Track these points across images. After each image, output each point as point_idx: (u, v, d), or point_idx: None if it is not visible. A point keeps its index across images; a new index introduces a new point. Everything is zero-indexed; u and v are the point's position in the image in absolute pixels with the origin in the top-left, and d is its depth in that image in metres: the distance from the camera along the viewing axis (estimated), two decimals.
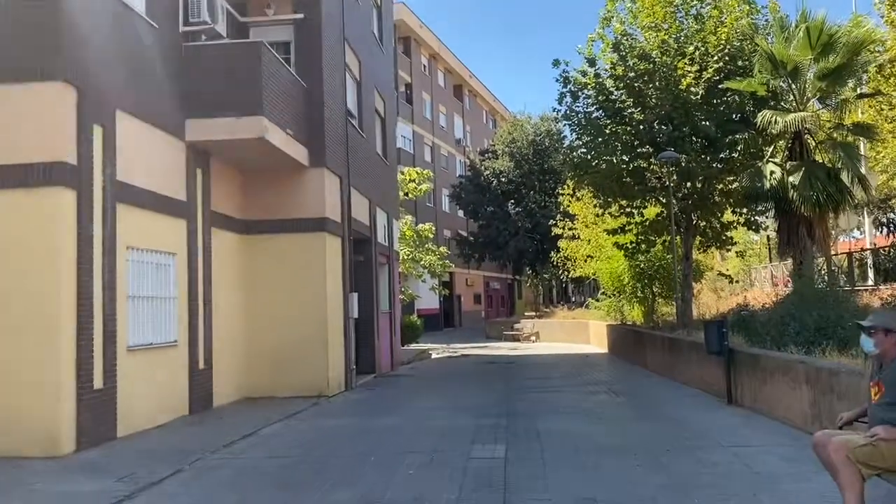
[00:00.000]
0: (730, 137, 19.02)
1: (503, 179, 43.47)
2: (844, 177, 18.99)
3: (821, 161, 18.92)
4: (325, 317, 13.49)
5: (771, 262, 35.70)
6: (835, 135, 18.92)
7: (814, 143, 19.34)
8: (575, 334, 31.05)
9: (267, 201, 13.76)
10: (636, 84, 19.82)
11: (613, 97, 20.45)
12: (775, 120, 17.94)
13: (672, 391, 12.70)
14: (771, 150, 19.79)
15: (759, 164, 18.80)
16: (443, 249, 34.91)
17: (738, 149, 19.75)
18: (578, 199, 31.82)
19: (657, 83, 19.33)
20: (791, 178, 18.10)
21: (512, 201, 42.68)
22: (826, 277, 14.17)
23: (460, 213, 49.36)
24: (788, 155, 19.28)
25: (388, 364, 19.27)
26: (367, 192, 17.44)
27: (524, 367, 19.62)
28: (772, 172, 18.34)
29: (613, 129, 20.56)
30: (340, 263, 14.65)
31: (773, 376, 9.09)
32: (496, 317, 58.17)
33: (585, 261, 30.82)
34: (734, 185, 21.64)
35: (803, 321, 9.94)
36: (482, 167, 45.05)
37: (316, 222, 13.64)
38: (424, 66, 52.31)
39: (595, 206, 25.42)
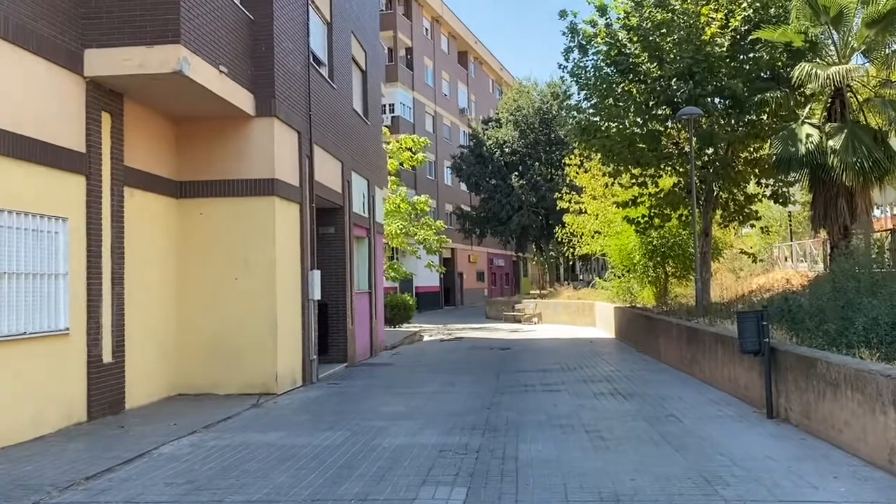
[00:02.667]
0: (759, 96, 16.50)
1: (507, 150, 40.87)
2: (893, 141, 16.54)
3: (865, 123, 16.41)
4: (273, 298, 11.19)
5: (793, 239, 33.19)
6: (883, 92, 16.37)
7: (857, 103, 16.80)
8: (579, 316, 28.74)
9: (204, 158, 11.41)
10: (652, 37, 17.36)
11: (626, 51, 17.98)
12: (815, 73, 15.43)
13: (693, 393, 10.38)
14: (806, 110, 17.27)
15: (794, 126, 16.28)
16: (439, 223, 32.50)
17: (768, 110, 17.30)
18: (586, 171, 29.35)
19: (676, 35, 16.82)
20: (831, 143, 15.62)
21: (516, 173, 40.08)
22: (878, 256, 11.74)
23: (463, 186, 46.85)
24: (827, 116, 16.77)
25: (365, 350, 17.02)
26: (338, 154, 15.04)
27: (521, 355, 17.34)
28: (808, 136, 15.83)
29: (626, 88, 18.16)
30: (298, 235, 12.31)
31: (838, 389, 6.73)
32: (500, 295, 55.90)
33: (592, 237, 28.43)
34: (760, 153, 19.27)
35: (874, 315, 7.53)
36: (484, 136, 42.42)
37: (263, 184, 11.27)
38: (426, 30, 49.52)
39: (604, 174, 23.00)
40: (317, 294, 12.63)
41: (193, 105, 10.56)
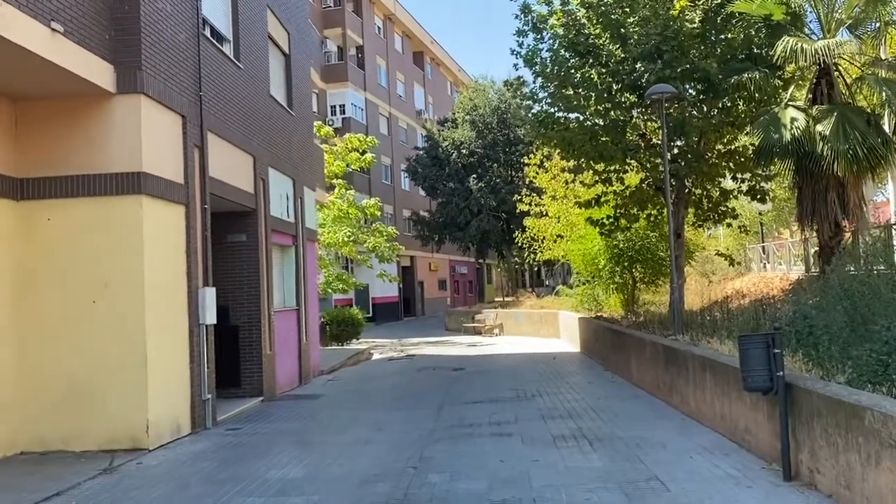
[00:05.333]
0: (735, 78, 14.53)
1: (464, 151, 38.64)
2: (886, 125, 14.74)
3: (856, 105, 14.54)
4: (141, 326, 8.71)
5: (763, 239, 31.61)
6: (875, 70, 14.51)
7: (844, 83, 14.93)
8: (543, 327, 26.59)
9: (54, 149, 8.91)
10: (614, 14, 15.37)
11: (585, 31, 15.95)
12: (801, 49, 13.53)
13: (676, 436, 8.18)
14: (790, 92, 15.36)
15: (776, 110, 14.34)
16: (392, 230, 30.13)
17: (745, 95, 15.40)
18: (546, 171, 27.30)
19: (640, 13, 14.84)
20: (819, 127, 13.70)
21: (474, 176, 37.88)
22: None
23: (422, 191, 44.51)
24: (812, 98, 14.87)
25: (292, 378, 14.58)
26: (248, 147, 12.62)
27: (473, 379, 15.06)
28: (793, 120, 13.91)
29: (586, 73, 16.11)
30: (182, 243, 9.84)
31: None
32: (464, 304, 53.67)
33: (555, 241, 26.35)
34: (736, 144, 17.42)
35: None
36: (440, 138, 40.17)
37: (127, 180, 8.79)
38: (378, 28, 47.21)
39: (564, 170, 20.95)
40: (210, 317, 10.16)
41: (27, 78, 8.09)
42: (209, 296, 10.17)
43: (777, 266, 23.35)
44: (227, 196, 11.58)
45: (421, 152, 42.03)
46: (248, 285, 12.72)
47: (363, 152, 28.86)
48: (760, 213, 30.62)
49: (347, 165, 28.70)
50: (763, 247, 26.65)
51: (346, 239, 27.00)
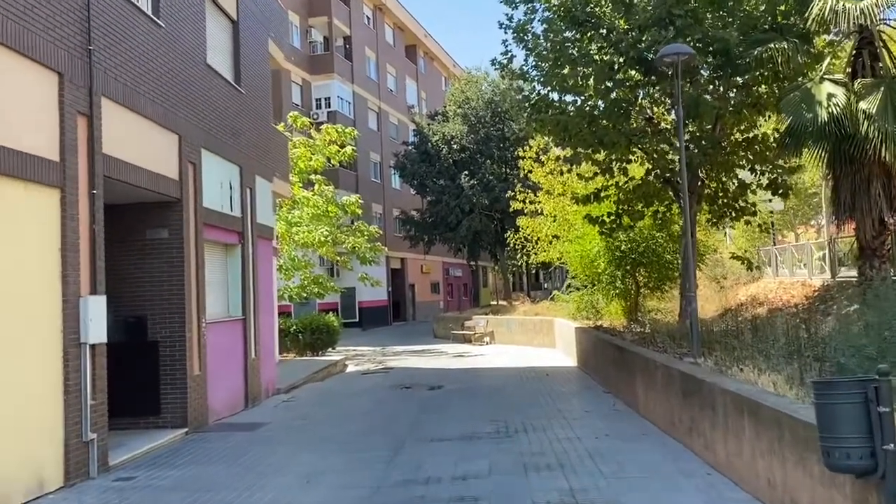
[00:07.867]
0: (758, 50, 12.34)
1: (455, 146, 36.32)
2: None
3: None
4: None
5: (775, 243, 29.34)
6: None
7: (890, 54, 12.67)
8: (537, 336, 24.30)
9: None
10: None
11: None
12: (842, 8, 11.35)
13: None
14: (825, 64, 13.11)
15: (809, 85, 12.10)
16: (373, 229, 27.79)
17: (767, 73, 13.23)
18: (542, 164, 24.99)
19: None
20: (863, 105, 11.48)
21: (466, 173, 35.56)
22: None
23: (412, 189, 42.16)
24: (852, 72, 12.64)
25: (235, 401, 12.28)
26: (170, 123, 10.31)
27: (450, 402, 12.81)
28: (830, 96, 11.67)
29: (584, 47, 13.94)
30: (56, 239, 7.51)
31: None
32: (458, 308, 51.35)
33: (550, 242, 24.05)
34: (756, 132, 15.27)
35: None
36: (430, 132, 37.84)
37: None
38: (368, 18, 44.92)
39: (557, 159, 18.71)
40: (95, 334, 7.84)
41: None
42: (94, 306, 7.85)
43: (796, 270, 21.05)
44: (137, 182, 9.29)
45: (410, 147, 39.71)
46: (170, 292, 10.41)
47: (343, 145, 26.54)
48: (772, 213, 28.39)
49: (328, 160, 26.39)
50: (779, 248, 24.33)
51: (323, 239, 24.66)
